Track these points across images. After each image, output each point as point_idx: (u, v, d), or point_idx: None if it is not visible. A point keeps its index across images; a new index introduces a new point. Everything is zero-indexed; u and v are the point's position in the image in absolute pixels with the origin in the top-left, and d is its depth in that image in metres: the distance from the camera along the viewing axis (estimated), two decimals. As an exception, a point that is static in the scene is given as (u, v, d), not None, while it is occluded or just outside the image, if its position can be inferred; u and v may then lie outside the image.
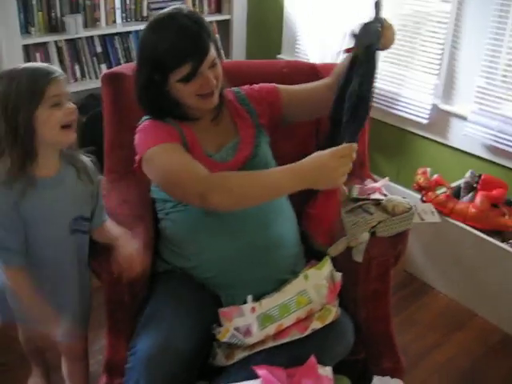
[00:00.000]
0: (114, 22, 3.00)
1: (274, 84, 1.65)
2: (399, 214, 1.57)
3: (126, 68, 1.79)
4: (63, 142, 1.32)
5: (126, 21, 3.05)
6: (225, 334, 1.38)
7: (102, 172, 1.56)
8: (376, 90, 1.47)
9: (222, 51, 3.27)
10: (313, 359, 1.32)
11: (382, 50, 1.43)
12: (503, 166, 2.39)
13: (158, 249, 1.58)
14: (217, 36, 3.28)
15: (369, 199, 1.62)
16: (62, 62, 2.88)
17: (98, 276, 1.47)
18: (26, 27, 2.74)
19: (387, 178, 1.76)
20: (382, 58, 2.28)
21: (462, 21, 2.41)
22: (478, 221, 2.24)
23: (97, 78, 2.95)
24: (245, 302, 1.41)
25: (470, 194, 2.34)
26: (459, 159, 2.56)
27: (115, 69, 1.87)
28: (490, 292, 2.25)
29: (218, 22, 3.36)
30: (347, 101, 1.38)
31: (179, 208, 1.49)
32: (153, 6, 3.10)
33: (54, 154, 1.34)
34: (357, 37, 1.41)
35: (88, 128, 2.07)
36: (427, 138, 2.68)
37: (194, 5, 3.21)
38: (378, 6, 1.41)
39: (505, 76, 2.31)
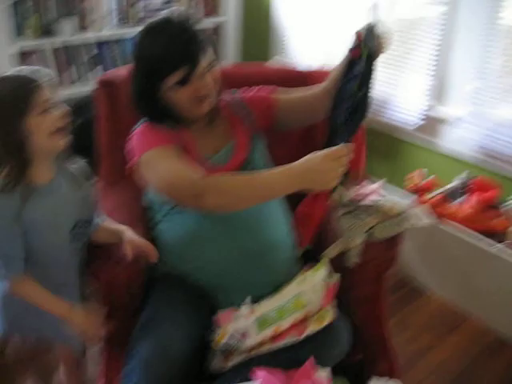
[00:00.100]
0: (108, 25, 2.98)
1: (270, 89, 1.64)
2: (394, 216, 1.58)
3: (121, 72, 1.79)
4: (57, 148, 1.31)
5: (121, 24, 3.03)
6: (222, 337, 1.38)
7: (95, 176, 1.56)
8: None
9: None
10: (311, 362, 1.32)
11: (379, 54, 1.43)
12: (495, 169, 2.41)
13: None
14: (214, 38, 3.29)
15: (360, 204, 1.62)
16: (54, 65, 2.86)
17: (95, 279, 1.47)
18: (19, 31, 2.72)
19: (383, 181, 1.77)
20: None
21: (455, 24, 2.42)
22: (471, 222, 2.26)
23: (90, 82, 2.94)
24: (242, 306, 1.41)
25: (464, 196, 2.35)
26: (452, 162, 2.57)
27: (109, 73, 1.87)
28: (483, 294, 2.26)
29: (212, 26, 3.36)
30: (345, 103, 1.38)
31: (176, 211, 1.50)
32: (147, 9, 3.07)
33: (48, 161, 1.33)
34: (362, 39, 1.40)
35: (81, 132, 2.06)
36: (419, 141, 2.70)
37: (187, 8, 3.21)
38: (374, 9, 1.42)
39: (497, 80, 2.32)
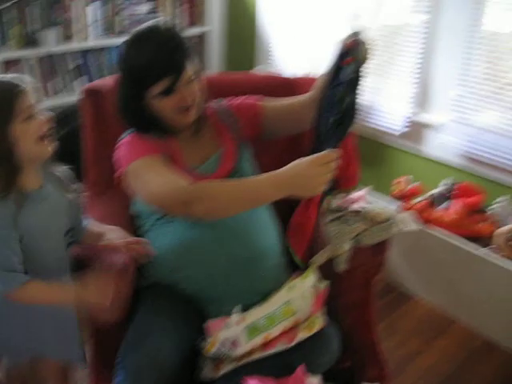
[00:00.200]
0: (93, 35, 2.98)
1: (257, 98, 1.65)
2: (381, 222, 1.59)
3: (107, 82, 1.78)
4: (44, 153, 1.30)
5: (106, 34, 3.03)
6: (213, 345, 1.37)
7: (80, 184, 1.55)
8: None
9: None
10: (302, 369, 1.32)
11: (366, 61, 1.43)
12: (479, 174, 2.43)
13: (141, 263, 1.57)
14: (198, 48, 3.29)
15: (347, 210, 1.63)
16: (39, 75, 2.85)
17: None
18: (2, 40, 2.70)
19: (369, 188, 1.78)
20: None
21: (437, 32, 2.46)
22: (456, 227, 2.28)
23: (75, 92, 2.93)
24: (232, 314, 1.41)
25: (449, 201, 2.38)
26: (435, 168, 2.60)
27: (95, 82, 1.86)
28: (470, 298, 2.28)
29: (197, 35, 3.36)
30: (332, 109, 1.38)
31: (165, 220, 1.49)
32: (132, 18, 3.07)
33: (36, 167, 1.33)
34: (350, 47, 1.39)
35: (67, 142, 2.05)
36: (404, 148, 2.72)
37: (172, 18, 3.21)
38: (356, 18, 1.43)
39: (479, 86, 2.36)
